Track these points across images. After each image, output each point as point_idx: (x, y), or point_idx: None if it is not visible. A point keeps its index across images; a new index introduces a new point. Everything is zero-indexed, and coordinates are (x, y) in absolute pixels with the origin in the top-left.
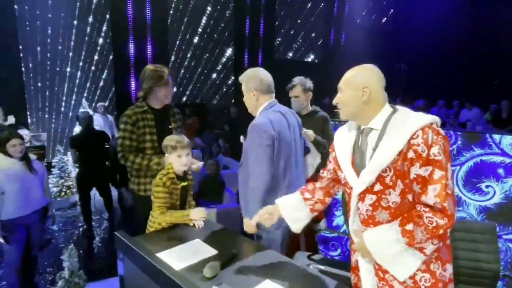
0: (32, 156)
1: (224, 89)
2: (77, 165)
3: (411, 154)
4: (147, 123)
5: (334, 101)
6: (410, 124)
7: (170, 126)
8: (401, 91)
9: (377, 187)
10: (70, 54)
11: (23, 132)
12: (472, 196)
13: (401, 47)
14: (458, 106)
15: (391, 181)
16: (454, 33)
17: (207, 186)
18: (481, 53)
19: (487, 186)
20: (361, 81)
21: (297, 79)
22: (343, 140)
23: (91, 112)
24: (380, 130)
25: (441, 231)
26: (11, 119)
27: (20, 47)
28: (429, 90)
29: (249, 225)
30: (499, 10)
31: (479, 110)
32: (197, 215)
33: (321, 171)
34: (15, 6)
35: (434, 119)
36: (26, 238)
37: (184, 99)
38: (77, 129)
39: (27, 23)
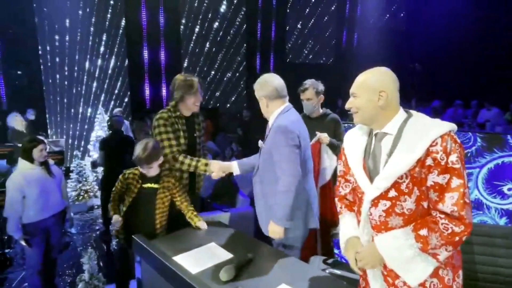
0: (50, 161)
1: (237, 93)
2: (103, 167)
3: (429, 162)
4: (180, 128)
5: (347, 106)
6: (430, 131)
7: (195, 134)
8: (416, 92)
9: (392, 193)
10: (87, 63)
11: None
12: (493, 199)
13: (415, 47)
14: (477, 106)
15: (407, 188)
16: (470, 31)
17: (220, 189)
18: (499, 51)
19: (509, 189)
20: (378, 85)
21: (309, 82)
22: (353, 144)
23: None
24: (395, 135)
25: (457, 238)
26: (31, 116)
27: (41, 60)
28: (445, 90)
29: (276, 231)
30: None
31: (498, 110)
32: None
33: (342, 192)
34: (36, 19)
35: (452, 126)
36: (46, 241)
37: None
38: (99, 133)
39: (46, 28)
